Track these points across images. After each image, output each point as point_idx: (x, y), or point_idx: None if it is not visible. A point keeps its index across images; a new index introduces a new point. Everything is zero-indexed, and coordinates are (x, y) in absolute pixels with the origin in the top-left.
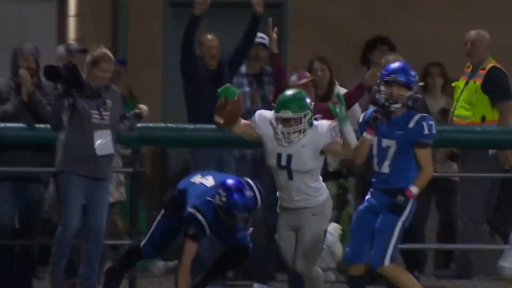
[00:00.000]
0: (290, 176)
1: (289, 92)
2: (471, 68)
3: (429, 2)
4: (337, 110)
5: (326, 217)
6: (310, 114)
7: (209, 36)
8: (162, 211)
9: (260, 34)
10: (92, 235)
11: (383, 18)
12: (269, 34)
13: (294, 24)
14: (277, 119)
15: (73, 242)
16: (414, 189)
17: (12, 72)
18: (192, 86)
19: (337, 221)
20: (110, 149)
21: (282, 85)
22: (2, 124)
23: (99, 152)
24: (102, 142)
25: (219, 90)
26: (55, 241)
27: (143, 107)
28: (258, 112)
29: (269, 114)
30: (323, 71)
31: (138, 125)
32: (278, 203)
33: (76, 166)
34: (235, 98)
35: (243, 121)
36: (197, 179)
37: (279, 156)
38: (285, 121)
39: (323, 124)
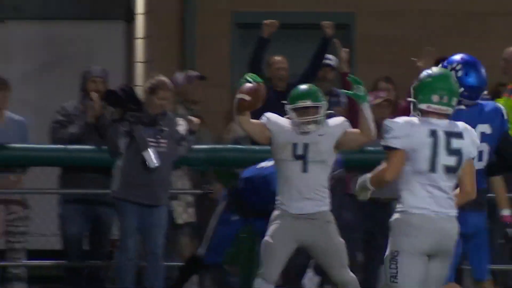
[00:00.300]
0: (305, 168)
1: (303, 85)
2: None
3: (490, 23)
4: (355, 91)
5: (335, 225)
6: (325, 107)
7: (278, 58)
8: (222, 208)
9: (327, 55)
10: (150, 258)
11: (445, 40)
12: (340, 54)
13: (360, 45)
14: (294, 110)
15: (136, 265)
16: (507, 212)
17: (81, 94)
18: (260, 107)
19: None
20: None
21: (354, 104)
22: (71, 146)
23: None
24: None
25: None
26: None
27: (192, 119)
28: (267, 113)
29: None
30: (388, 91)
31: (206, 146)
32: (277, 211)
33: (132, 193)
34: (261, 83)
35: (252, 120)
36: (264, 164)
37: (294, 145)
38: (304, 111)
39: (336, 118)
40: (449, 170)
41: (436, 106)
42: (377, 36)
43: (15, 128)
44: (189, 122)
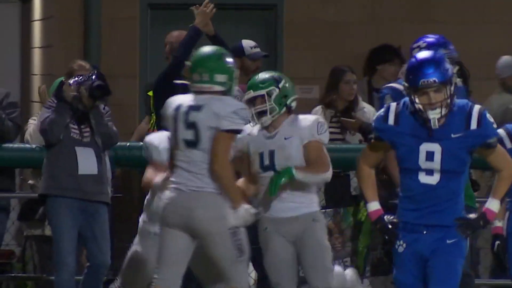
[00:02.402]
0: None
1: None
2: None
3: (444, 5)
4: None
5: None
6: (277, 93)
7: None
8: None
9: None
10: None
11: (390, 25)
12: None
13: (289, 29)
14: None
15: None
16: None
17: None
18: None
19: None
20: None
21: None
22: None
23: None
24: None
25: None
26: None
27: None
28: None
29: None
30: (355, 83)
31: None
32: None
33: None
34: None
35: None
36: None
37: (261, 155)
38: (250, 102)
39: (307, 117)
40: (189, 144)
41: (195, 84)
42: (308, 18)
43: None
44: None
